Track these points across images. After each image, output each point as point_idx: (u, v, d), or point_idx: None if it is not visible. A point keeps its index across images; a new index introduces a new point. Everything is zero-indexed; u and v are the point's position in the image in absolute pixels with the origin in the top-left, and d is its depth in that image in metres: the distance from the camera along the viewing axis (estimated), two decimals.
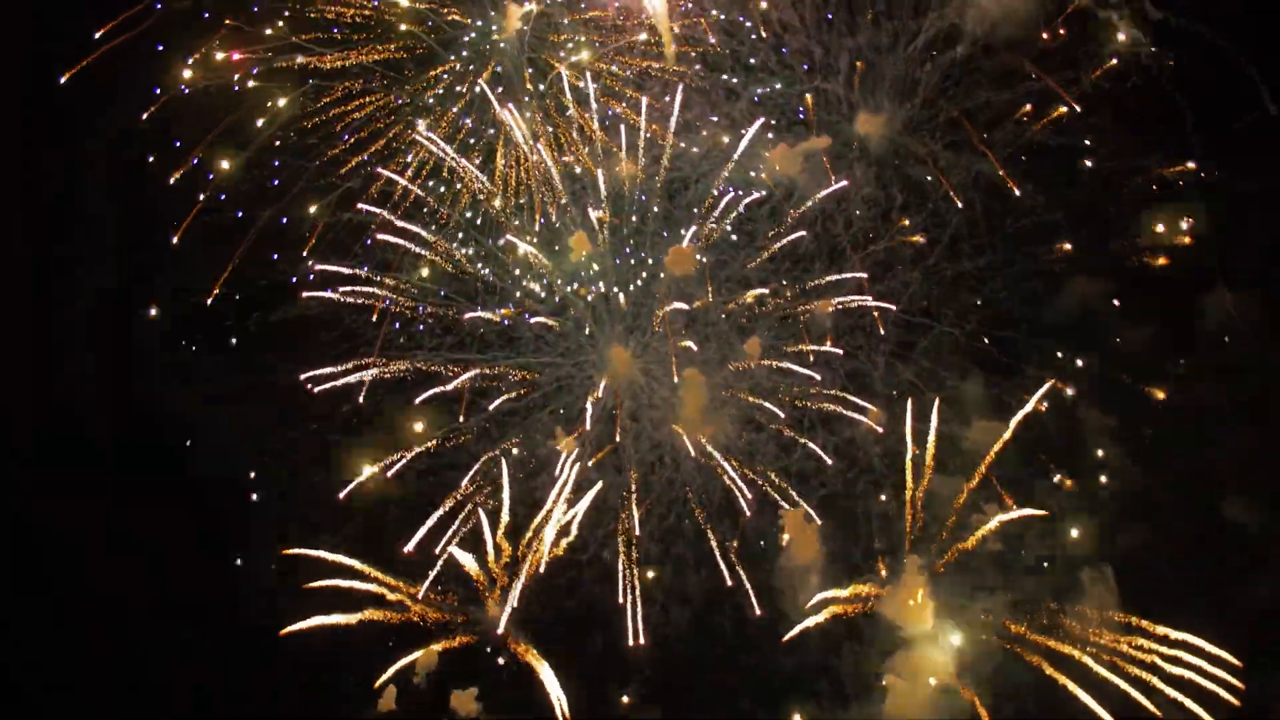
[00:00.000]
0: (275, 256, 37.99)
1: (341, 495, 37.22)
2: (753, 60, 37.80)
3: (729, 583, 36.90)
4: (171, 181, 37.52)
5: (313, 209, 38.14)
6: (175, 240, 37.73)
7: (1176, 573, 34.95)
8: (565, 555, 37.18)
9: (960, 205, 37.10)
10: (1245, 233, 35.95)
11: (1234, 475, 35.47)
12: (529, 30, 38.04)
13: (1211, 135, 34.86)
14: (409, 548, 36.92)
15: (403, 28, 38.10)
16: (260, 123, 37.80)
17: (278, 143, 37.96)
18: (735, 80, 37.95)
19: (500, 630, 36.92)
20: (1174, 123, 34.84)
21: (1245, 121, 33.66)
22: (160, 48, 37.21)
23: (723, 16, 37.44)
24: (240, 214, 37.86)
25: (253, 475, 38.65)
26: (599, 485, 37.35)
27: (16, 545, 37.75)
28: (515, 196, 38.70)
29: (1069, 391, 37.22)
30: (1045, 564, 36.71)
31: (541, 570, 36.88)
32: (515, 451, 38.10)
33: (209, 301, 37.88)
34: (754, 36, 37.53)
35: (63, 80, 36.94)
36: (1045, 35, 34.71)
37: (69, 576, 37.66)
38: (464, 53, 38.78)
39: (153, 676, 37.22)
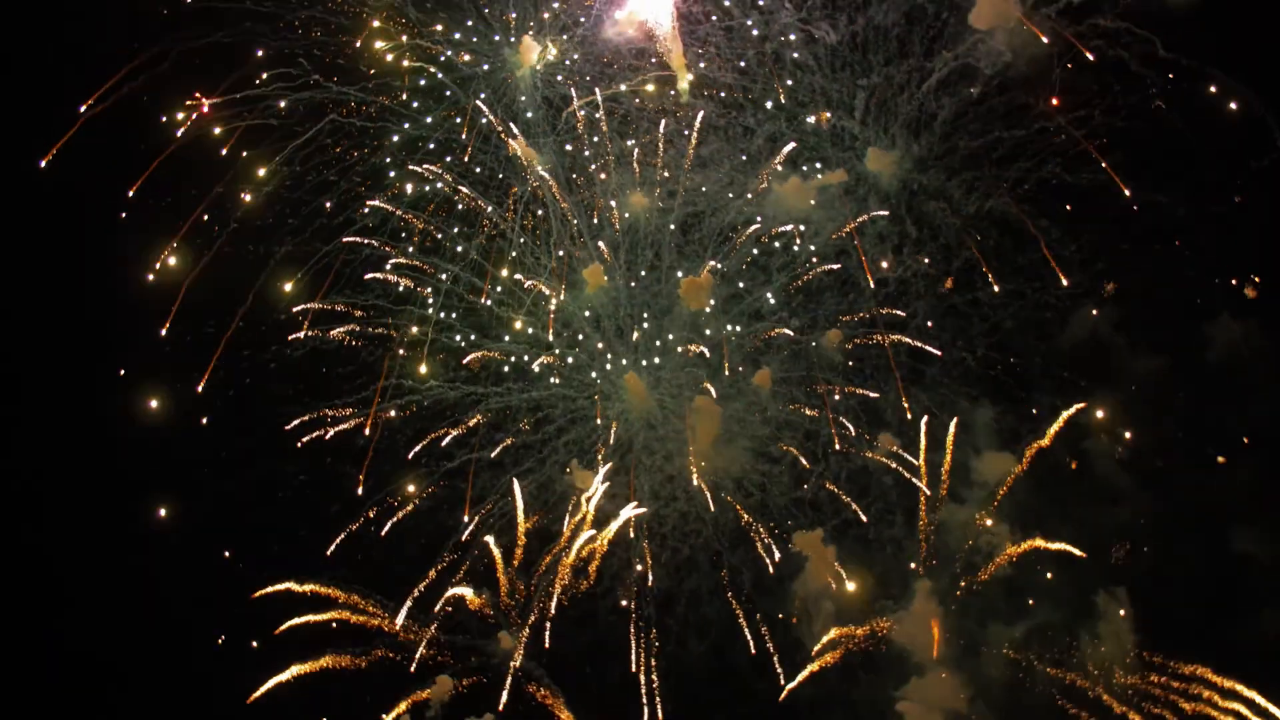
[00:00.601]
0: (287, 290, 37.76)
1: (328, 552, 37.25)
2: (773, 100, 37.94)
3: (752, 651, 37.13)
4: (157, 262, 37.01)
5: (306, 266, 37.69)
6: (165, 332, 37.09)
7: (1190, 602, 35.21)
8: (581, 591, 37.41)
9: (973, 240, 37.42)
10: (1254, 263, 36.42)
11: (1244, 504, 35.74)
12: (542, 68, 38.03)
13: (1223, 171, 35.24)
14: (419, 588, 37.12)
15: (405, 64, 37.90)
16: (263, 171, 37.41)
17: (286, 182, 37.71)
18: (759, 102, 37.89)
19: (514, 666, 37.02)
20: (1186, 159, 35.19)
21: (1261, 160, 34.05)
22: (145, 98, 36.19)
23: (740, 62, 37.62)
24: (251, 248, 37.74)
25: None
26: (614, 524, 37.41)
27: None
28: (532, 237, 38.74)
29: (1080, 421, 37.40)
30: (1059, 592, 36.92)
31: (552, 610, 37.03)
32: (528, 485, 38.16)
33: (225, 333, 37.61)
34: (768, 72, 37.71)
35: (43, 164, 35.64)
36: (1056, 82, 35.03)
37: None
38: (455, 90, 38.62)
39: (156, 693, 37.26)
